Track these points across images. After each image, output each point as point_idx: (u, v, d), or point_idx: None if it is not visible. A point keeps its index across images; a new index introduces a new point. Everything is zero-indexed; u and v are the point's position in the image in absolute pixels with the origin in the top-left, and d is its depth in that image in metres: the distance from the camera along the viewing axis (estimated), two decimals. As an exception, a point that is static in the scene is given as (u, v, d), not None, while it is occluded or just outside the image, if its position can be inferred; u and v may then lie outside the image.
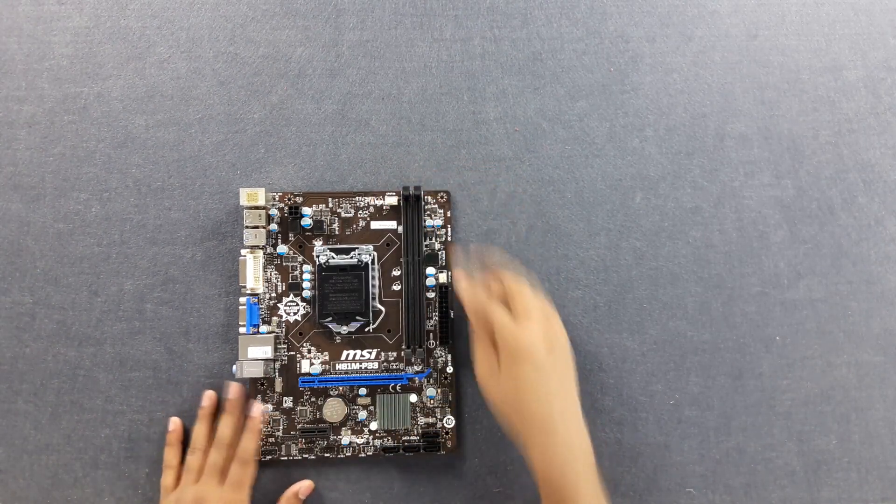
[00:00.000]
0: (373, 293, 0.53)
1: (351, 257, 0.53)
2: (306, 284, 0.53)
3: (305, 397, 0.53)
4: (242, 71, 0.56)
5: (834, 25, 0.59)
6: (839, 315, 0.56)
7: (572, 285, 0.55)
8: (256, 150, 0.55)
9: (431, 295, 0.54)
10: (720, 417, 0.55)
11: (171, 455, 0.52)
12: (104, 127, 0.55)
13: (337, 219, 0.54)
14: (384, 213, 0.54)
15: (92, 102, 0.55)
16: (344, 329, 0.53)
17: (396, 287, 0.54)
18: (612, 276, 0.56)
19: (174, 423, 0.53)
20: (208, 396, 0.53)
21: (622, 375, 0.55)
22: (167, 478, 0.52)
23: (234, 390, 0.52)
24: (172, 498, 0.50)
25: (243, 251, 0.52)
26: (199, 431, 0.52)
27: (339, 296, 0.52)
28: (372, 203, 0.54)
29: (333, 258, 0.53)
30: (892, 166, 0.57)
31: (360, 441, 0.53)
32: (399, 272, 0.54)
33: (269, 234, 0.53)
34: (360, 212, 0.54)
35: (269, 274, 0.53)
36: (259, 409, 0.52)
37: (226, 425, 0.52)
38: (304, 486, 0.52)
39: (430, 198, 0.54)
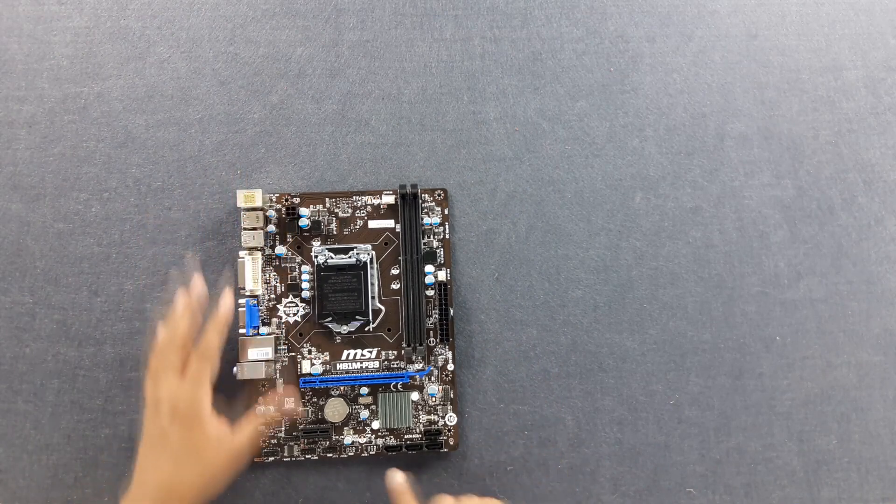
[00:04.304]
0: (372, 292, 0.53)
1: (349, 257, 0.53)
2: (305, 285, 0.53)
3: (307, 398, 0.53)
4: (242, 71, 0.56)
5: (834, 25, 0.59)
6: (839, 315, 0.56)
7: (572, 285, 0.55)
8: (256, 151, 0.55)
9: (431, 293, 0.54)
10: (720, 417, 0.55)
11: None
12: (104, 127, 0.55)
13: (334, 219, 0.54)
14: (381, 212, 0.54)
15: (92, 102, 0.55)
16: (344, 329, 0.53)
17: (395, 286, 0.54)
18: (612, 276, 0.56)
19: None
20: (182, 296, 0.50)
21: (622, 375, 0.55)
22: None
23: (194, 282, 0.50)
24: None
25: (242, 253, 0.52)
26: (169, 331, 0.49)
27: (338, 296, 0.52)
28: (369, 202, 0.54)
29: (332, 258, 0.53)
30: (892, 166, 0.57)
31: (362, 440, 0.53)
32: (398, 271, 0.54)
33: (266, 235, 0.53)
34: (358, 211, 0.54)
35: (267, 275, 0.53)
36: (229, 303, 0.50)
37: (180, 321, 0.49)
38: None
39: (427, 196, 0.54)
